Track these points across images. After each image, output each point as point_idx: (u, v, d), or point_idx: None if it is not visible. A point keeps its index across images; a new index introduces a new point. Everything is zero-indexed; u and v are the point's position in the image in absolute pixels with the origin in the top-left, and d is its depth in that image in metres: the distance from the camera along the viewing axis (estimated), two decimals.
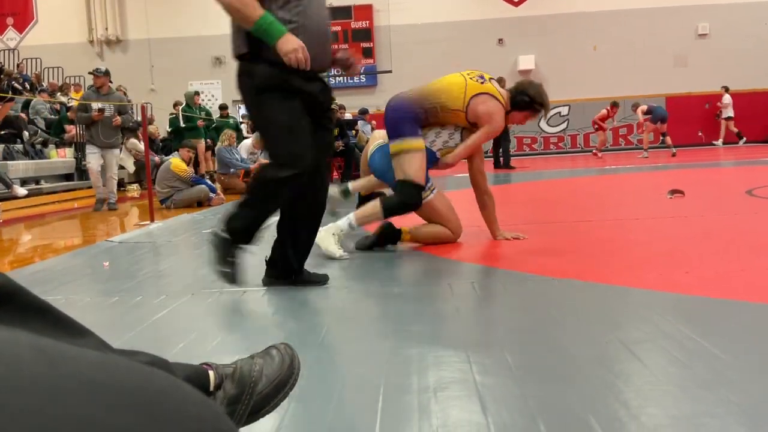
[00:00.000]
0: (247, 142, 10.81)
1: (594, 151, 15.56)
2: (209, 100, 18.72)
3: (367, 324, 2.27)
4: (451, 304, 2.53)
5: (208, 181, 8.79)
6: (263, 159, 10.78)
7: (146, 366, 0.36)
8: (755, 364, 1.69)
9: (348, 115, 12.16)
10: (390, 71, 18.52)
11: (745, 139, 16.71)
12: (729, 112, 16.66)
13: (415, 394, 1.57)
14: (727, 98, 16.58)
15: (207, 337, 2.18)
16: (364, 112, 13.44)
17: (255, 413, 1.23)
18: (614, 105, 14.55)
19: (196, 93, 12.71)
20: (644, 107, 14.09)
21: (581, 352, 1.87)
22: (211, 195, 8.09)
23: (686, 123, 16.08)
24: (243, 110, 18.72)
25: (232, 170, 9.93)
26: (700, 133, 16.42)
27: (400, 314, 2.38)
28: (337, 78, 18.88)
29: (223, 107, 13.12)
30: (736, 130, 16.85)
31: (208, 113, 12.55)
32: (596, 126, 15.09)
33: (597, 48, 17.90)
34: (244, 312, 2.50)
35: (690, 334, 1.95)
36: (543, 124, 18.02)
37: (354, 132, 11.30)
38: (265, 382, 1.24)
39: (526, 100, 3.80)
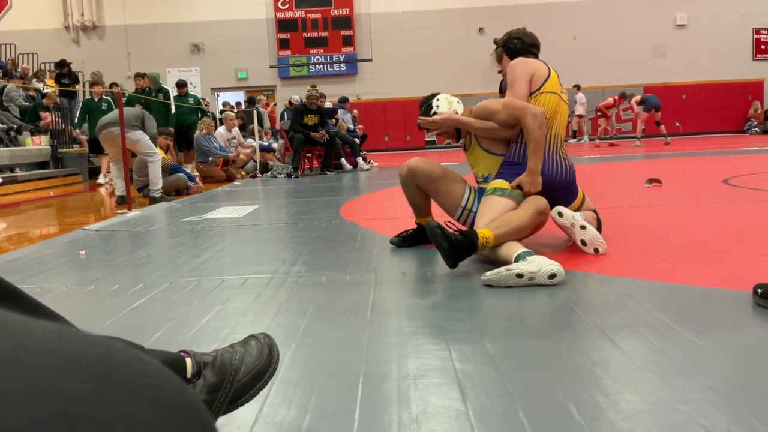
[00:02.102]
0: (221, 130, 10.73)
1: (595, 140, 15.57)
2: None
3: (346, 312, 2.27)
4: (431, 291, 2.53)
5: (187, 170, 8.72)
6: (243, 147, 10.73)
7: (106, 337, 0.35)
8: (732, 350, 1.70)
9: (328, 104, 12.11)
10: (370, 60, 18.47)
11: (593, 140, 16.67)
12: (579, 110, 16.63)
13: (394, 382, 1.57)
14: (580, 96, 16.50)
15: (185, 326, 2.16)
16: (344, 101, 13.39)
17: (234, 401, 1.22)
18: (622, 96, 14.46)
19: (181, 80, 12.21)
20: (637, 97, 14.16)
21: (560, 338, 1.88)
22: (190, 183, 8.02)
23: (663, 113, 16.20)
24: (223, 98, 18.70)
25: (210, 158, 9.85)
26: (677, 123, 16.59)
27: (379, 302, 2.37)
28: (316, 66, 18.81)
29: (181, 84, 11.58)
30: (575, 129, 17.12)
31: (197, 100, 11.68)
32: (600, 113, 15.08)
33: (576, 38, 17.97)
34: (223, 301, 2.48)
35: (667, 321, 1.97)
36: None
37: (334, 121, 11.26)
38: (245, 371, 1.23)
39: (518, 44, 3.40)
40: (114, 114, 7.14)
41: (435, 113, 3.36)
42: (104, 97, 10.77)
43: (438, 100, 3.42)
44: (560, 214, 3.01)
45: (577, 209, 3.23)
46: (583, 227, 2.99)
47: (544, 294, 2.41)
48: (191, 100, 11.33)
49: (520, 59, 3.26)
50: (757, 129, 17.83)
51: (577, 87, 16.31)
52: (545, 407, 1.40)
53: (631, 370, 1.60)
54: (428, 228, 2.69)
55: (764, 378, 1.57)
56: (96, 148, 10.47)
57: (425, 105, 3.45)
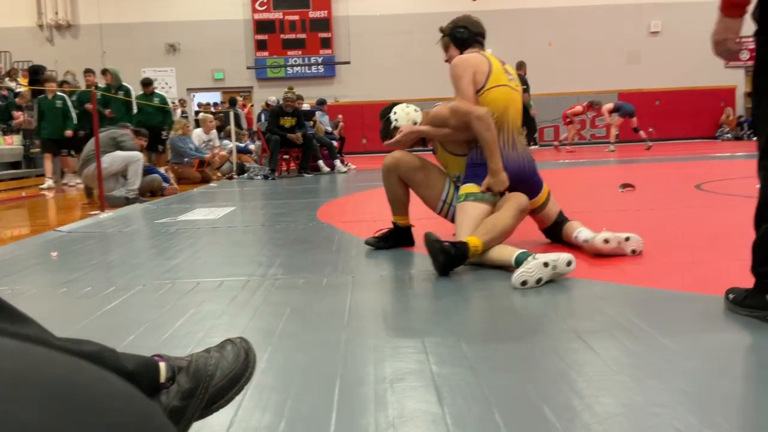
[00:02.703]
0: (198, 131, 10.64)
1: (556, 144, 15.67)
2: (163, 87, 18.37)
3: (323, 315, 2.25)
4: (408, 294, 2.53)
5: (162, 170, 8.63)
6: (218, 145, 10.65)
7: (72, 358, 0.33)
8: (705, 354, 1.72)
9: (306, 106, 12.07)
10: (348, 62, 18.45)
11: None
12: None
13: (371, 385, 1.57)
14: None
15: (159, 329, 2.14)
16: (322, 103, 13.37)
17: (209, 406, 1.21)
18: (591, 104, 14.48)
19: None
20: (610, 105, 14.26)
21: (536, 341, 1.89)
22: (165, 185, 7.94)
23: (637, 119, 16.39)
24: (199, 98, 18.56)
25: (185, 159, 9.77)
26: (651, 129, 16.77)
27: (357, 305, 2.37)
28: (294, 68, 18.75)
29: (146, 82, 10.50)
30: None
31: (164, 100, 10.68)
32: (569, 120, 15.12)
33: (552, 44, 18.13)
34: (198, 303, 2.46)
35: (641, 324, 1.99)
36: None
37: (312, 123, 11.23)
38: (220, 375, 1.22)
39: (464, 33, 3.31)
40: (88, 148, 7.00)
41: (395, 127, 3.43)
42: (58, 94, 9.96)
43: (395, 113, 3.48)
44: (606, 241, 2.97)
45: (543, 205, 3.25)
46: (627, 239, 3.00)
47: (520, 297, 2.42)
48: (157, 100, 10.36)
49: (459, 59, 3.20)
50: (728, 135, 18.13)
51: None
52: (521, 410, 1.40)
53: (606, 373, 1.61)
54: (427, 240, 2.71)
55: (736, 381, 1.59)
56: (49, 148, 9.93)
57: (384, 119, 3.52)
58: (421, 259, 3.15)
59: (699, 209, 4.65)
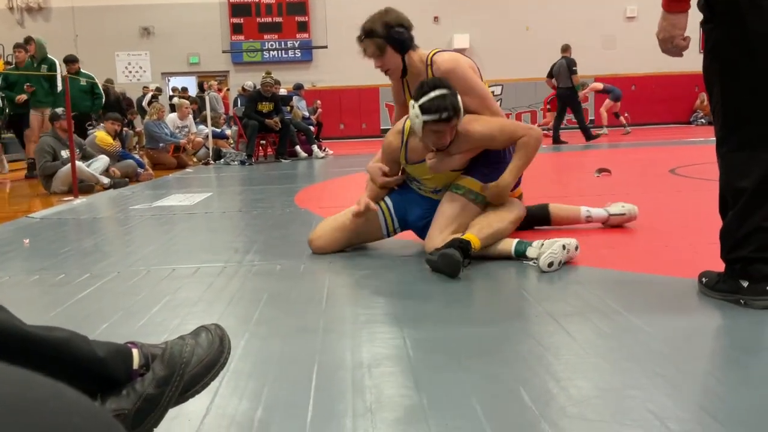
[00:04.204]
0: (173, 116, 10.51)
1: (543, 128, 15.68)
2: (137, 72, 18.10)
3: (300, 301, 2.25)
4: (386, 280, 2.52)
5: (136, 156, 8.51)
6: (194, 132, 10.54)
7: (28, 373, 0.32)
8: (679, 336, 1.75)
9: (283, 91, 11.96)
10: (326, 47, 18.31)
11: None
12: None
13: (349, 371, 1.56)
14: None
15: (134, 317, 2.11)
16: (299, 88, 13.25)
17: (184, 393, 1.20)
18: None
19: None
20: (598, 85, 14.26)
21: (512, 325, 1.90)
22: (139, 170, 7.84)
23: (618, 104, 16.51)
24: (174, 83, 18.31)
25: (161, 144, 9.65)
26: (626, 114, 16.88)
27: (334, 291, 2.36)
28: (270, 52, 18.57)
29: (70, 59, 9.14)
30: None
31: (92, 80, 9.26)
32: (549, 107, 15.09)
33: (529, 28, 18.15)
34: (174, 290, 2.43)
35: (616, 307, 2.00)
36: None
37: (289, 108, 11.14)
38: (195, 362, 1.21)
39: (404, 33, 2.97)
40: (42, 149, 6.74)
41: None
42: None
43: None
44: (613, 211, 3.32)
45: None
46: (623, 206, 3.32)
47: (495, 281, 2.44)
48: (83, 81, 8.96)
49: (451, 60, 2.93)
50: (702, 120, 18.32)
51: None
52: (497, 394, 1.41)
53: (582, 356, 1.63)
54: (447, 258, 2.47)
55: (708, 363, 1.61)
56: None
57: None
58: (398, 244, 3.15)
59: (673, 194, 4.70)
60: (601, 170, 5.94)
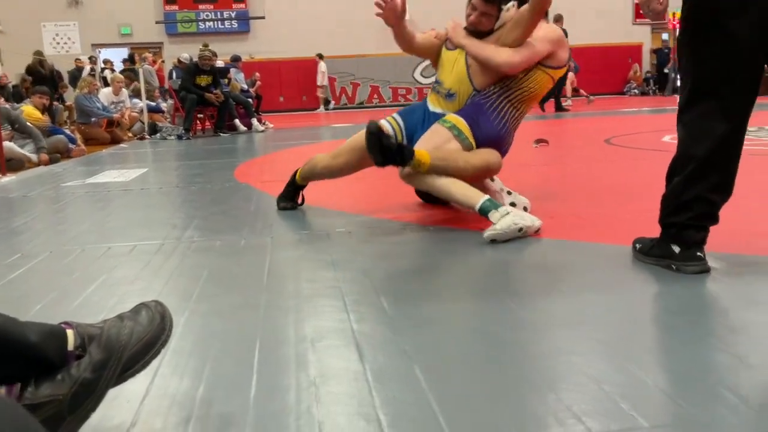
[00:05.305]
0: (106, 90, 10.17)
1: None
2: (65, 43, 17.39)
3: (241, 277, 2.22)
4: (329, 253, 2.51)
5: (67, 131, 8.20)
6: (128, 107, 10.22)
7: None
8: (615, 302, 1.80)
9: (220, 63, 11.69)
10: (263, 17, 17.96)
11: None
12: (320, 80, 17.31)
13: (292, 345, 1.56)
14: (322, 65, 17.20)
15: (68, 297, 2.05)
16: (236, 60, 12.98)
17: (122, 374, 1.17)
18: None
19: None
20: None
21: (454, 298, 1.92)
22: (71, 146, 7.56)
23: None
24: (105, 55, 17.65)
25: (93, 119, 9.33)
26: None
27: (276, 266, 2.34)
28: (206, 23, 18.09)
29: None
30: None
31: None
32: None
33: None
34: (110, 269, 2.37)
35: (553, 276, 2.05)
36: (417, 75, 18.19)
37: (227, 81, 10.90)
38: (135, 341, 1.17)
39: None
40: None
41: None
42: None
43: None
44: (492, 179, 3.03)
45: None
46: (509, 193, 3.04)
47: (435, 254, 2.45)
48: None
49: (559, 34, 2.99)
50: (635, 91, 18.83)
51: (320, 56, 17.00)
52: (440, 363, 1.43)
53: (521, 324, 1.66)
54: (369, 132, 2.60)
55: (645, 328, 1.67)
56: None
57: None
58: (340, 218, 3.14)
59: (608, 163, 4.82)
60: (539, 141, 6.04)
